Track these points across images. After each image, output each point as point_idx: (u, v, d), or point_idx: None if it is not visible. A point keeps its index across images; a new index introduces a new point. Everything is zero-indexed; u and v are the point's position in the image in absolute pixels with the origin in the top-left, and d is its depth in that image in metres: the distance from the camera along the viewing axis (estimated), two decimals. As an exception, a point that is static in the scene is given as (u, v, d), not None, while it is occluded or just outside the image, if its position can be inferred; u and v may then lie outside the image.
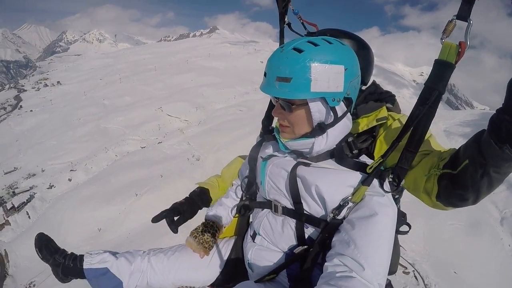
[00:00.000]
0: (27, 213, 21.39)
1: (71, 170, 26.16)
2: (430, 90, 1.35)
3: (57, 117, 42.14)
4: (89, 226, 17.08)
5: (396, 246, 1.75)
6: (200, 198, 2.37)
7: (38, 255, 2.11)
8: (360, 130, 1.84)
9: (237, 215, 2.08)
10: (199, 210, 2.51)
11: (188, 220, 2.28)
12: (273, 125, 1.99)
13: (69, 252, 2.25)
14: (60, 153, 29.89)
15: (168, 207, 2.21)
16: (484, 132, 1.22)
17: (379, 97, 1.97)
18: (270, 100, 1.88)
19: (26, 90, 63.82)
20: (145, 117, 36.32)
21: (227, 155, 24.48)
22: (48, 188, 24.30)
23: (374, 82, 2.08)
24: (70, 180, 24.88)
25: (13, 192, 24.45)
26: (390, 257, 1.25)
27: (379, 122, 1.82)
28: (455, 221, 15.42)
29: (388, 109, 1.91)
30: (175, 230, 2.08)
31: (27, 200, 22.82)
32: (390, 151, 1.39)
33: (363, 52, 1.97)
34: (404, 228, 1.57)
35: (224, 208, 2.07)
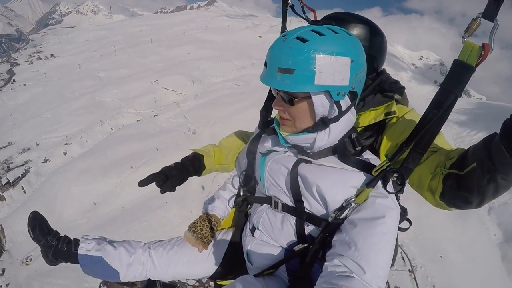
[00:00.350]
0: (23, 188, 21.26)
1: (66, 144, 25.84)
2: (446, 93, 1.30)
3: (51, 91, 41.44)
4: (84, 200, 16.98)
5: (396, 243, 1.68)
6: (192, 164, 2.41)
7: (30, 235, 2.11)
8: (367, 123, 1.84)
9: (234, 208, 2.17)
10: (190, 177, 2.41)
11: (177, 187, 2.28)
12: (272, 115, 2.02)
13: (63, 235, 2.19)
14: (55, 127, 29.50)
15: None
16: (495, 136, 1.19)
17: (389, 88, 1.97)
18: (269, 90, 1.99)
19: (19, 64, 62.45)
20: (141, 90, 35.78)
21: (223, 129, 24.30)
22: (43, 162, 24.06)
23: (384, 71, 2.07)
24: (65, 154, 24.60)
25: (8, 167, 24.21)
26: (391, 260, 1.25)
27: (388, 117, 1.81)
28: None
29: (397, 101, 1.94)
30: (162, 191, 2.17)
31: (22, 175, 22.63)
32: (398, 155, 1.38)
33: (377, 39, 1.93)
34: (404, 224, 1.60)
35: (222, 201, 2.22)
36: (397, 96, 1.94)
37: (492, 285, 13.29)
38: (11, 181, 21.73)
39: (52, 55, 74.34)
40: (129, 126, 27.29)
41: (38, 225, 2.24)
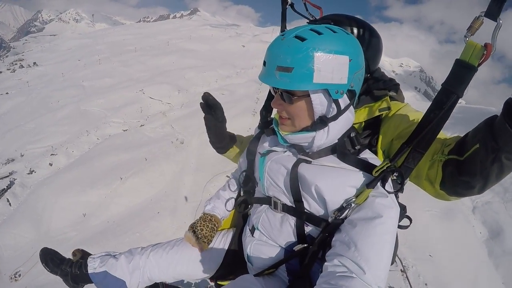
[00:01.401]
0: (8, 200, 20.53)
1: (51, 154, 25.18)
2: (448, 93, 1.28)
3: (35, 100, 40.34)
4: (73, 212, 16.59)
5: (395, 242, 1.68)
6: (229, 136, 2.45)
7: (46, 269, 2.17)
8: (362, 120, 1.80)
9: (234, 209, 2.17)
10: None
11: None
12: (272, 115, 1.99)
13: (75, 260, 2.22)
14: (40, 137, 28.70)
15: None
16: (496, 117, 1.15)
17: (383, 85, 1.91)
18: (269, 90, 1.97)
19: (0, 72, 60.41)
20: (126, 100, 35.28)
21: (211, 138, 24.27)
22: (28, 174, 23.35)
23: (379, 69, 2.04)
24: (51, 164, 23.97)
25: (-9, 179, 23.33)
26: (391, 260, 1.24)
27: (381, 112, 1.77)
28: (431, 208, 16.23)
29: (392, 98, 1.87)
30: (205, 111, 2.22)
31: (7, 186, 21.85)
32: (398, 155, 1.35)
33: (374, 40, 1.89)
34: (404, 222, 1.58)
35: (222, 202, 2.15)
36: (391, 93, 1.91)
37: (482, 279, 13.83)
38: (-5, 194, 20.98)
39: (35, 63, 72.34)
40: (115, 136, 26.85)
41: (50, 259, 2.27)
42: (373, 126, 1.81)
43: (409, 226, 1.61)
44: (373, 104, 1.83)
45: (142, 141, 24.78)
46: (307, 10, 2.03)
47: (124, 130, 28.76)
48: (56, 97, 39.63)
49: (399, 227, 1.56)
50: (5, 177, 23.11)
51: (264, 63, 1.44)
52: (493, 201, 16.50)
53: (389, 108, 1.79)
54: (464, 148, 1.30)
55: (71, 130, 29.45)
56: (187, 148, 22.98)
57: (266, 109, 2.12)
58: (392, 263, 1.57)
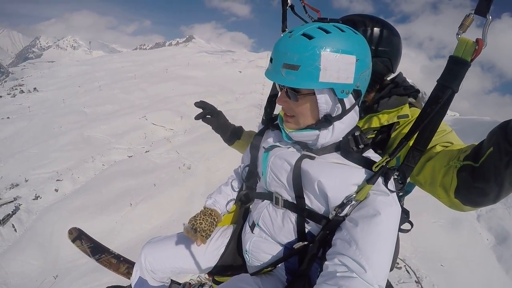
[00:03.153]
0: (13, 226, 20.07)
1: (57, 180, 24.88)
2: (443, 88, 1.30)
3: (36, 125, 40.13)
4: (83, 238, 16.16)
5: (397, 244, 1.69)
6: (234, 129, 2.51)
7: None
8: (379, 125, 1.78)
9: (235, 204, 2.09)
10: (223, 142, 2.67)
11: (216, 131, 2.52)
12: (276, 111, 1.98)
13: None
14: (44, 162, 28.40)
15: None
16: (511, 121, 1.13)
17: (404, 91, 1.88)
18: (273, 86, 1.97)
19: (1, 96, 60.30)
20: (129, 126, 35.31)
21: (217, 163, 24.28)
22: (33, 199, 22.96)
23: (400, 74, 2.01)
24: (56, 190, 23.65)
25: (-4, 203, 22.85)
26: (391, 258, 1.21)
27: (400, 120, 1.75)
28: (437, 219, 16.32)
29: (411, 104, 1.86)
30: (199, 116, 2.29)
31: (12, 212, 21.40)
32: (397, 150, 1.35)
33: (394, 40, 1.86)
34: (406, 226, 1.55)
35: (224, 197, 2.07)
36: (411, 99, 1.87)
37: (494, 285, 13.95)
38: (0, 219, 20.49)
39: (35, 88, 72.39)
40: (121, 162, 26.71)
41: None
42: (386, 129, 1.81)
43: (410, 230, 1.59)
44: (392, 110, 1.81)
45: (148, 167, 24.69)
46: (306, 12, 2.00)
47: (129, 156, 28.66)
48: (58, 123, 39.57)
49: (401, 230, 1.52)
50: (9, 202, 22.67)
51: (271, 60, 1.43)
52: (496, 208, 16.71)
53: (407, 116, 1.77)
54: (479, 154, 1.25)
55: (76, 156, 29.27)
56: (194, 174, 22.96)
57: (270, 105, 2.08)
58: (392, 266, 1.58)
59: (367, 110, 1.84)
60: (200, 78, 66.05)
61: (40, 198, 22.12)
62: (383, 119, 1.76)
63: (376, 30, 1.80)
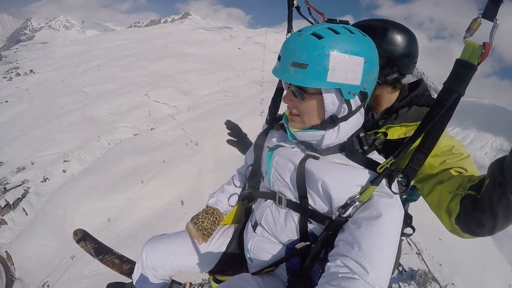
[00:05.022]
0: (24, 210, 19.93)
1: (64, 161, 24.62)
2: (449, 91, 1.28)
3: (37, 107, 39.58)
4: (96, 217, 16.16)
5: (398, 248, 1.55)
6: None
7: None
8: (396, 137, 1.68)
9: (238, 203, 2.05)
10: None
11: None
12: (280, 111, 1.89)
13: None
14: (49, 144, 28.07)
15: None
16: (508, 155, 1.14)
17: (425, 101, 1.77)
18: (277, 86, 1.87)
19: (-3, 80, 59.33)
20: (132, 104, 34.82)
21: (223, 139, 23.87)
22: (42, 182, 22.75)
23: (423, 82, 1.93)
24: (64, 171, 23.41)
25: (4, 188, 22.52)
26: (394, 261, 1.20)
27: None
28: None
29: None
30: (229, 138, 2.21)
31: (22, 195, 21.21)
32: (403, 152, 1.32)
33: (415, 46, 1.75)
34: (408, 230, 1.56)
35: (226, 195, 2.03)
36: None
37: (488, 259, 14.61)
38: (10, 203, 20.26)
39: (31, 71, 71.19)
40: (127, 141, 26.40)
41: None
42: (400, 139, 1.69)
43: (412, 234, 1.58)
44: (410, 124, 1.70)
45: (155, 144, 24.39)
46: (310, 14, 1.98)
47: (134, 134, 28.32)
48: (60, 104, 38.95)
49: (403, 234, 1.56)
50: (18, 186, 22.44)
51: (279, 58, 1.35)
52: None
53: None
54: (482, 185, 1.27)
55: (80, 136, 28.92)
56: (202, 150, 22.67)
57: (275, 105, 1.94)
58: (394, 268, 1.56)
59: (384, 119, 1.76)
60: (199, 55, 64.89)
61: (49, 180, 21.90)
62: (400, 131, 1.68)
63: (402, 36, 1.73)
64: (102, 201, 17.17)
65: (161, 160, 20.44)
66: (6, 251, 16.31)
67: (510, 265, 14.70)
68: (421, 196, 1.71)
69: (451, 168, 1.51)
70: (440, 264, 14.23)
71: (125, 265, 3.01)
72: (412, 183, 1.39)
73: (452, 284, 14.00)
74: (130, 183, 18.15)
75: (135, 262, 2.35)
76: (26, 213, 19.55)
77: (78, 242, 3.14)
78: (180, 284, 2.60)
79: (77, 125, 30.29)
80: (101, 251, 3.10)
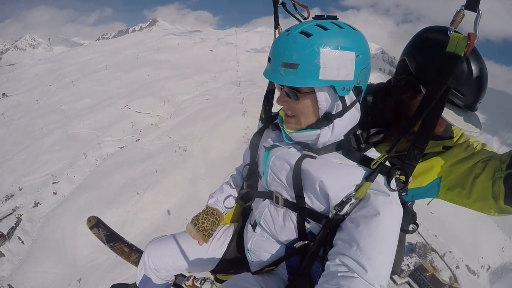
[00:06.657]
0: (20, 238, 19.25)
1: (53, 183, 23.90)
2: (438, 84, 1.26)
3: (16, 131, 38.15)
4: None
5: (401, 245, 1.65)
6: None
7: None
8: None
9: (237, 203, 2.05)
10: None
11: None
12: (274, 108, 1.91)
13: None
14: (34, 167, 27.15)
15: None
16: None
17: None
18: (268, 88, 1.87)
19: (-31, 107, 56.51)
20: (113, 117, 34.08)
21: (211, 142, 23.82)
22: (33, 207, 22.05)
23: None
24: (55, 193, 22.74)
25: (-5, 218, 21.57)
26: (393, 258, 1.19)
27: (445, 150, 1.70)
28: None
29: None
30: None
31: (15, 224, 20.47)
32: (394, 147, 1.29)
33: (483, 71, 1.52)
34: (411, 227, 1.55)
35: (225, 195, 2.03)
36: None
37: (479, 226, 15.40)
38: (5, 234, 19.39)
39: (4, 94, 68.08)
40: (114, 154, 25.81)
41: None
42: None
43: (415, 231, 1.56)
44: (439, 142, 1.72)
45: (143, 154, 23.98)
46: (296, 10, 1.92)
47: (120, 147, 27.71)
48: (38, 125, 37.54)
49: (406, 231, 1.55)
50: (9, 214, 21.54)
51: (269, 60, 1.34)
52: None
53: (452, 147, 1.71)
54: None
55: (66, 155, 28.03)
56: (192, 154, 22.49)
57: (268, 102, 1.97)
58: (397, 269, 1.58)
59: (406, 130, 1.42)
60: (173, 61, 64.04)
61: (40, 204, 21.25)
62: (428, 146, 1.54)
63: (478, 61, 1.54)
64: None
65: (153, 169, 20.18)
66: (9, 284, 15.77)
67: (500, 229, 15.65)
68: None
69: (478, 161, 1.53)
70: (436, 236, 14.97)
71: (134, 254, 2.96)
72: (410, 179, 1.34)
73: (450, 252, 14.77)
74: (126, 197, 17.85)
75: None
76: (23, 242, 18.92)
77: (91, 228, 3.11)
78: (185, 276, 2.64)
79: (60, 145, 29.39)
80: (112, 239, 3.05)
